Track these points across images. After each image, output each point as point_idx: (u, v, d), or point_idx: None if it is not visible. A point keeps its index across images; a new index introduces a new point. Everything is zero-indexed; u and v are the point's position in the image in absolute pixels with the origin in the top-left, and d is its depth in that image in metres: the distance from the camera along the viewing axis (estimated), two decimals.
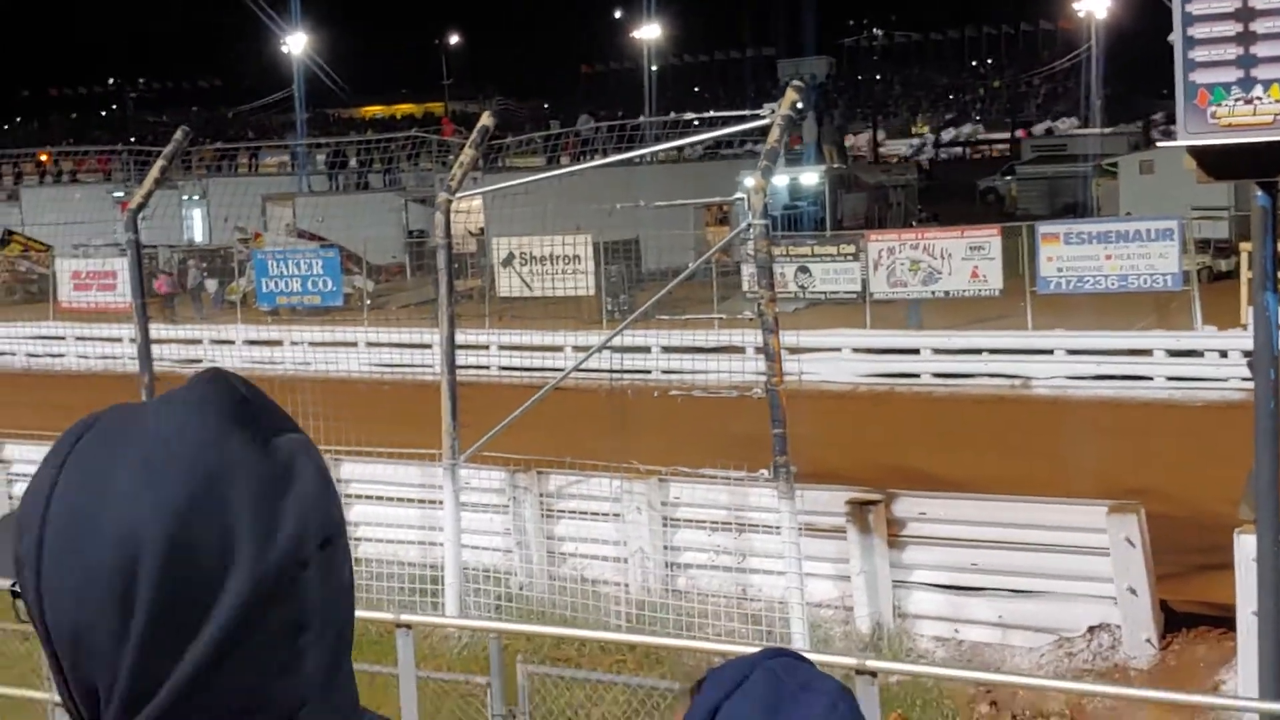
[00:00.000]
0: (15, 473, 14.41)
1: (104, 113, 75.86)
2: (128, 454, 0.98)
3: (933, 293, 23.36)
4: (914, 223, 40.21)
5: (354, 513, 12.32)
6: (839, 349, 22.83)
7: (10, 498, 14.14)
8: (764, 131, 10.35)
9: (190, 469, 0.97)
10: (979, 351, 22.18)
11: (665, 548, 11.53)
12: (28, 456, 14.30)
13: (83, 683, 0.98)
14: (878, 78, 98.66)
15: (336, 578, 1.02)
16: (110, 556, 0.95)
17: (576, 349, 18.82)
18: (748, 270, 19.55)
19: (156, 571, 0.94)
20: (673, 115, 38.14)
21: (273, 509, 0.97)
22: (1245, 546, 8.21)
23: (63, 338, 26.43)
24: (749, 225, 10.36)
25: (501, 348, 20.94)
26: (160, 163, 12.62)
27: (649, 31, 55.69)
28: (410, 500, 12.60)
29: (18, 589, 1.01)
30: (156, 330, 14.03)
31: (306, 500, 0.98)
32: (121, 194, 34.81)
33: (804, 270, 23.76)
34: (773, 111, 10.29)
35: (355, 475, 12.66)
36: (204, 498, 0.96)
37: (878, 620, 10.60)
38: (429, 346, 20.81)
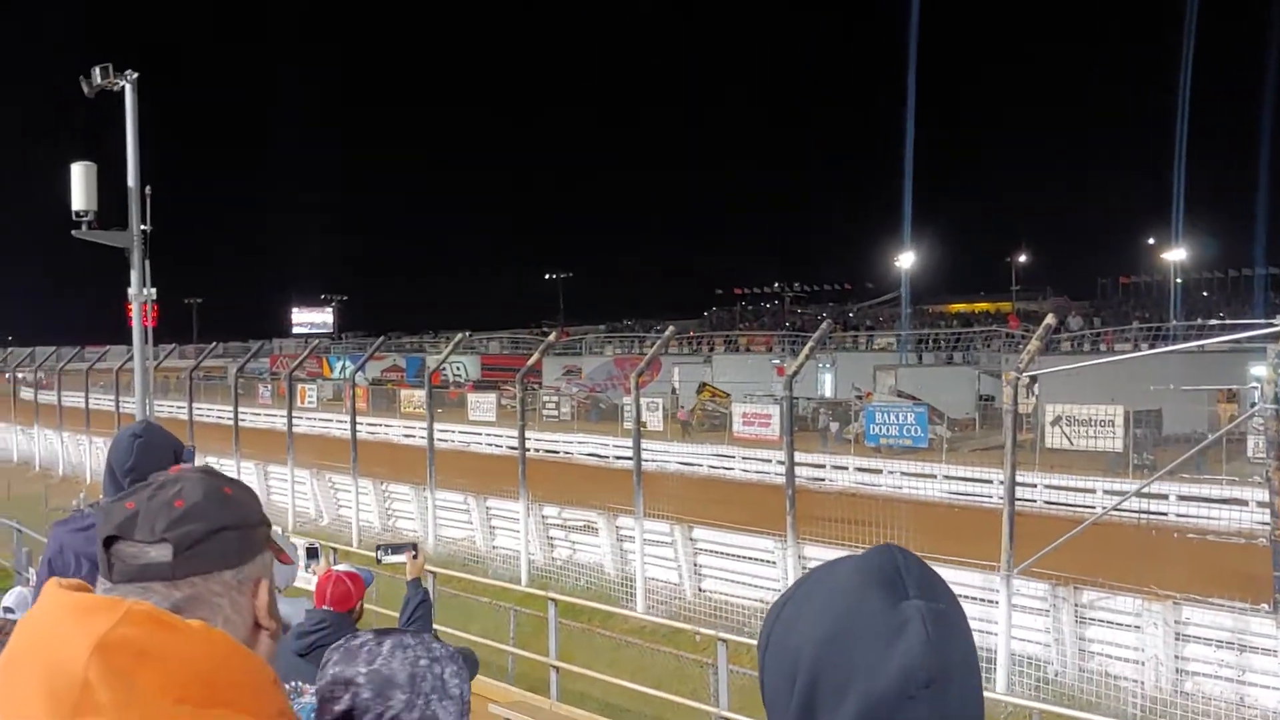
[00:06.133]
0: (701, 548, 15.09)
1: (768, 305, 79.52)
2: (813, 593, 1.07)
3: None
4: None
5: None
6: None
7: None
8: (1276, 336, 9.52)
9: (835, 613, 1.03)
10: None
11: (1176, 657, 10.50)
12: (705, 537, 14.89)
13: None
14: None
15: (946, 712, 0.98)
16: (786, 664, 1.04)
17: (1107, 492, 17.57)
18: (1253, 440, 17.61)
19: (803, 682, 1.02)
20: (1199, 321, 35.09)
21: (882, 654, 0.98)
22: None
23: (733, 457, 27.51)
24: (1258, 406, 9.47)
25: (1047, 487, 19.91)
26: (811, 344, 13.21)
27: (1175, 254, 52.42)
28: (970, 599, 12.14)
29: None
30: (797, 456, 14.52)
31: (910, 650, 0.97)
32: (778, 361, 36.50)
33: None
34: None
35: None
36: (837, 636, 1.01)
37: None
38: (990, 482, 20.19)
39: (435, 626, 12.54)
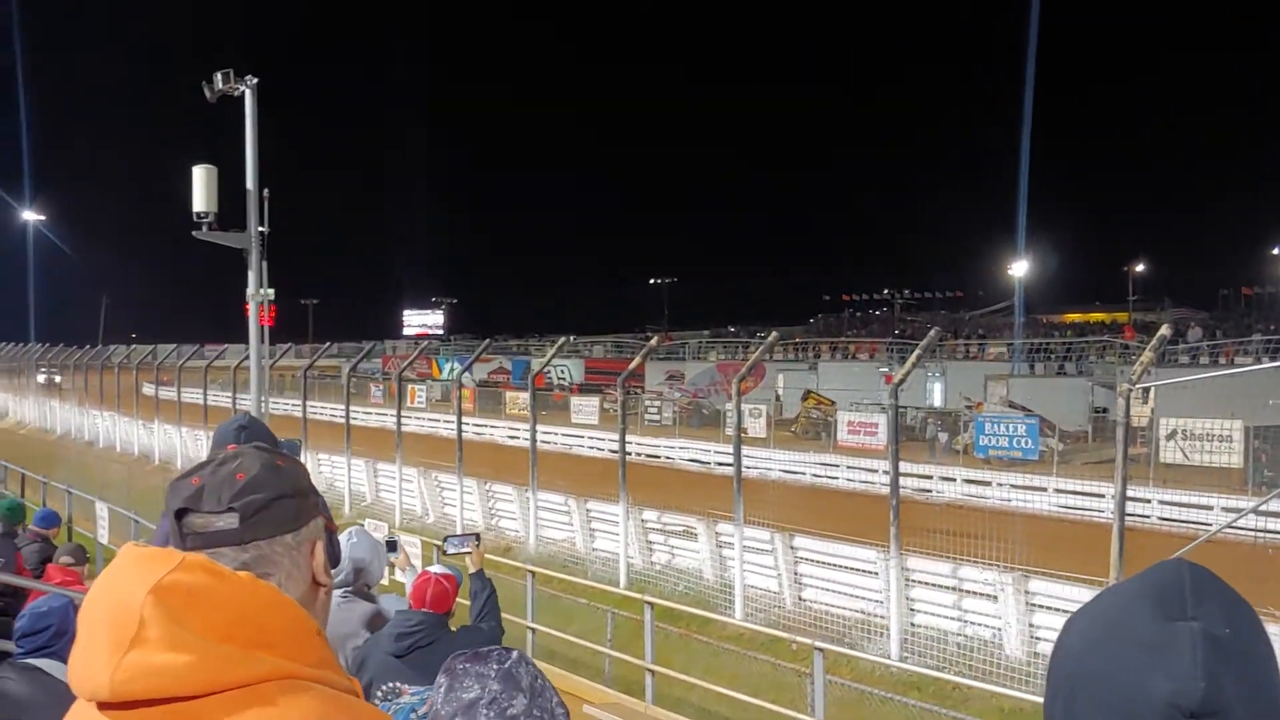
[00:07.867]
0: (802, 557, 14.82)
1: (876, 312, 78.48)
2: (1091, 604, 1.06)
3: None
4: None
5: (1036, 617, 11.77)
6: None
7: (793, 577, 14.73)
8: None
9: (1100, 624, 1.02)
10: None
11: None
12: (807, 546, 14.69)
13: None
14: None
15: None
16: (1055, 675, 1.04)
17: (1224, 509, 16.90)
18: None
19: (1064, 694, 1.01)
20: None
21: (1142, 672, 0.94)
22: None
23: (837, 465, 26.69)
24: None
25: (1161, 502, 19.25)
26: (918, 352, 12.93)
27: None
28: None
29: None
30: (903, 466, 14.24)
31: (1174, 674, 0.93)
32: (886, 369, 35.97)
33: None
34: None
35: (1041, 590, 12.05)
36: (1097, 648, 0.99)
37: None
38: (1102, 496, 19.55)
39: (534, 625, 12.68)
